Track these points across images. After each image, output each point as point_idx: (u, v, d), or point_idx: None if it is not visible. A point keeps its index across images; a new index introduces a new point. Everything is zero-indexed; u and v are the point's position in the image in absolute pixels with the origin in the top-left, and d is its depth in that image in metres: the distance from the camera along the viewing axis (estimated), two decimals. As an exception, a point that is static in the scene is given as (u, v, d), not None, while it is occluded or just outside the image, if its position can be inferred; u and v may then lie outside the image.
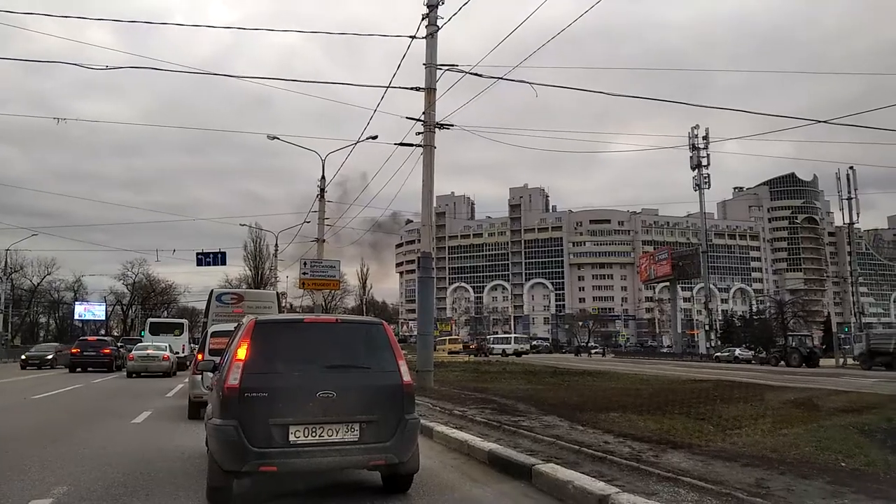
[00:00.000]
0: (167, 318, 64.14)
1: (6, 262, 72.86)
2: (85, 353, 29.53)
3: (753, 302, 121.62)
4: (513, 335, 78.56)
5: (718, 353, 58.78)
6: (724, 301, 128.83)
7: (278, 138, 30.20)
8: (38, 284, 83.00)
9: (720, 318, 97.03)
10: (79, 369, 28.64)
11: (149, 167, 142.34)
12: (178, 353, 27.85)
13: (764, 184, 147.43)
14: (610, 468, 5.95)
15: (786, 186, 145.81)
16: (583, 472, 5.66)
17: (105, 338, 38.64)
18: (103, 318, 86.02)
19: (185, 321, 37.51)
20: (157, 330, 32.12)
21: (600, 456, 6.43)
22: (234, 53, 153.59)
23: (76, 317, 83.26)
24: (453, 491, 6.02)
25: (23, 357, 34.06)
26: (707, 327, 72.98)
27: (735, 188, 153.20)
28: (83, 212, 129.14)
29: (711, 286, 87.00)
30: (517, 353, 59.53)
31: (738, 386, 16.79)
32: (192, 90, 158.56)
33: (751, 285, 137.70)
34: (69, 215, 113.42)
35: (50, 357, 33.69)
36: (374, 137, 23.05)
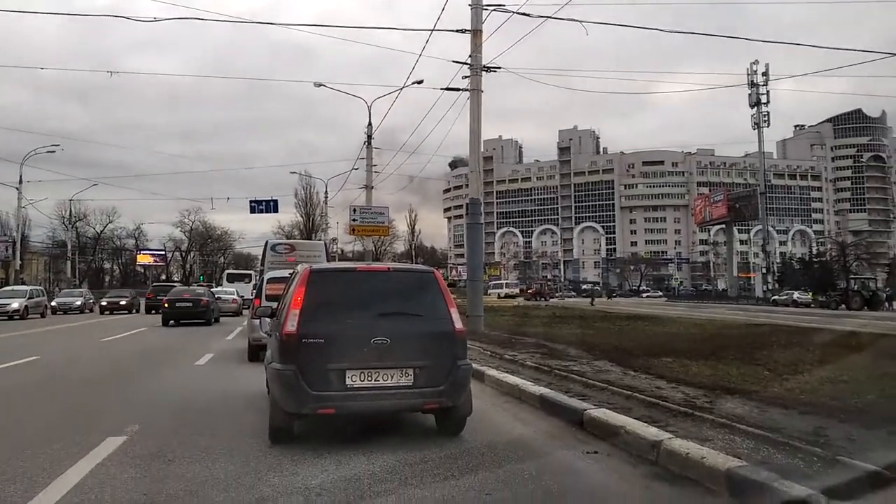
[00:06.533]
0: (233, 265, 77.86)
1: (70, 211, 76.53)
2: (178, 305, 24.00)
3: (814, 244, 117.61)
4: (504, 281, 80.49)
5: (776, 297, 57.39)
6: (783, 244, 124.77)
7: (325, 85, 30.58)
8: (102, 232, 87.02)
9: (778, 260, 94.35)
10: (172, 322, 23.48)
11: (201, 120, 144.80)
12: (243, 296, 32.55)
13: (827, 121, 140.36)
14: (663, 414, 5.93)
15: (851, 123, 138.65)
16: (635, 418, 5.66)
17: (198, 287, 35.08)
18: (163, 264, 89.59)
19: (252, 272, 45.47)
20: (232, 279, 43.61)
21: (653, 402, 6.41)
22: (278, 8, 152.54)
23: (138, 263, 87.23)
24: (505, 433, 6.12)
25: (102, 303, 37.32)
26: (764, 270, 71.31)
27: (796, 126, 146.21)
28: (140, 162, 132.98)
29: (770, 228, 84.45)
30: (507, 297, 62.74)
31: (796, 330, 16.48)
32: (240, 44, 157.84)
33: (811, 227, 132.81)
34: (128, 166, 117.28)
35: (125, 302, 37.07)
36: (420, 82, 22.82)
